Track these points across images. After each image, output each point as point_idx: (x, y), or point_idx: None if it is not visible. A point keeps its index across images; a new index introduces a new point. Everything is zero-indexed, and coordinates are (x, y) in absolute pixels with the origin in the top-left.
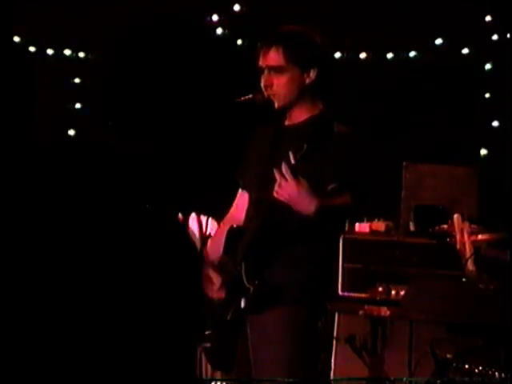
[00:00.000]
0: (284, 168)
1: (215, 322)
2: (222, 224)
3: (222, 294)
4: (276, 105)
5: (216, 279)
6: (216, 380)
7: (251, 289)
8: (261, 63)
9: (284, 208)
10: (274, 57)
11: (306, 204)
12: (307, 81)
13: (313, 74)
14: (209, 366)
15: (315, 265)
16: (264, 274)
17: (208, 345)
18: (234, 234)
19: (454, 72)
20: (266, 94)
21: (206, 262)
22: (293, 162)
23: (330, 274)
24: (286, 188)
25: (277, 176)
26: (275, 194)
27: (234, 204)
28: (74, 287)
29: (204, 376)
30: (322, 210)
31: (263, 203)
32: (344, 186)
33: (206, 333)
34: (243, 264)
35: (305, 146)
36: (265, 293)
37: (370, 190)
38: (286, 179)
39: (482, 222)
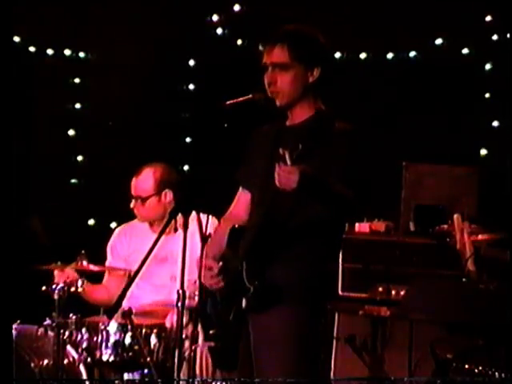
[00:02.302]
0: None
1: (218, 322)
2: (221, 221)
3: (219, 282)
4: (278, 103)
5: (214, 266)
6: (216, 380)
7: (252, 289)
8: (265, 60)
9: (285, 207)
10: (278, 54)
11: (289, 177)
12: (310, 79)
13: (316, 73)
14: (209, 366)
15: (317, 264)
16: (265, 273)
17: (212, 344)
18: (236, 234)
19: (454, 72)
20: (269, 91)
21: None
22: (289, 162)
23: (332, 273)
24: (283, 173)
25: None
26: (278, 184)
27: (234, 202)
28: None
29: (205, 375)
30: (305, 176)
31: (264, 203)
32: (346, 181)
33: (211, 332)
34: (244, 264)
35: (300, 146)
36: (265, 293)
37: (371, 186)
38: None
39: (482, 222)
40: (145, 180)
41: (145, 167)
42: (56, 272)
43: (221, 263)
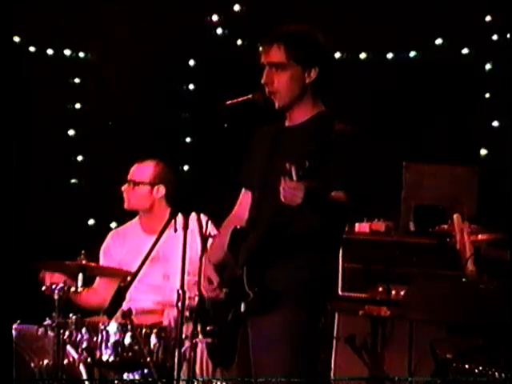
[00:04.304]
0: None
1: (217, 319)
2: (225, 223)
3: (219, 294)
4: (276, 104)
5: (214, 279)
6: (216, 379)
7: (251, 295)
8: (262, 60)
9: (287, 213)
10: (275, 54)
11: (295, 193)
12: (308, 80)
13: (314, 73)
14: (209, 365)
15: (317, 267)
16: (265, 279)
17: (210, 340)
18: (237, 235)
19: (454, 72)
20: (266, 91)
21: (207, 261)
22: (295, 178)
23: (332, 275)
24: (289, 189)
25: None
26: (283, 199)
27: (238, 203)
28: None
29: (205, 375)
30: (310, 193)
31: (266, 206)
32: (345, 186)
33: (208, 328)
34: (245, 269)
35: (307, 163)
36: (264, 300)
37: (370, 190)
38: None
39: (482, 222)
40: (145, 168)
41: (149, 159)
42: (46, 275)
43: (219, 278)
